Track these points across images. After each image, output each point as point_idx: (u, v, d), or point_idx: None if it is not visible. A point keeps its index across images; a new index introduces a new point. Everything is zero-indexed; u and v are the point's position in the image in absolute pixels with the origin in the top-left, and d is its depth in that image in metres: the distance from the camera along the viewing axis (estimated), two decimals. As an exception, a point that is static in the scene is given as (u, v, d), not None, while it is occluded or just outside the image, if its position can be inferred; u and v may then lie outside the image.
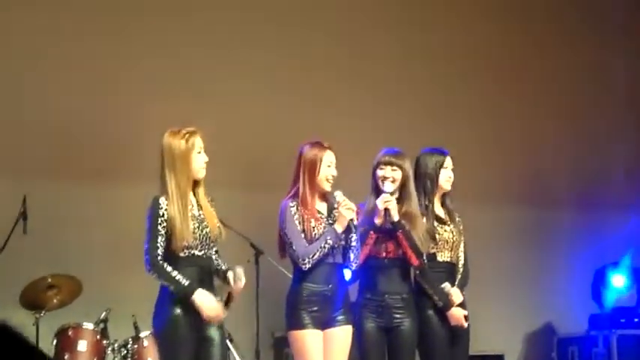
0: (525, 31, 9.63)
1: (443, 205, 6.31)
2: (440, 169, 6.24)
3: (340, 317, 5.74)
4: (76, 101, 8.11)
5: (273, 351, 8.26)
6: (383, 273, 5.99)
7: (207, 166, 5.48)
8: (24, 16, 8.08)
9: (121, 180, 8.03)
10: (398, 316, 5.96)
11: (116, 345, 7.14)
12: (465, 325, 6.10)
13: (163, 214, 5.28)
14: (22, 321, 7.26)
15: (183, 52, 8.45)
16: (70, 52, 8.15)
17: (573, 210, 9.48)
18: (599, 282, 8.96)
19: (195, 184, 5.48)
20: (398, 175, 5.98)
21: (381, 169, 6.01)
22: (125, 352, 7.11)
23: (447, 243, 6.20)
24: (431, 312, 6.10)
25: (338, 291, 5.74)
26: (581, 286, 9.02)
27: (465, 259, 6.31)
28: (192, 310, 5.30)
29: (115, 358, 7.13)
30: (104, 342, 7.10)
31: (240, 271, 5.42)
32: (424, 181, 6.21)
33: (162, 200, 5.31)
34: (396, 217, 5.90)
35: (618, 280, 8.93)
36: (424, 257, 6.03)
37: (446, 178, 6.25)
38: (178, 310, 5.28)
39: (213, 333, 5.38)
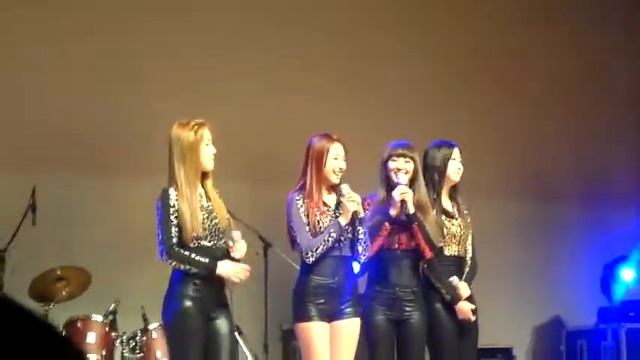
0: (526, 30, 9.60)
1: (451, 198, 6.31)
2: (448, 161, 6.23)
3: (348, 309, 5.74)
4: (86, 96, 8.12)
5: (281, 344, 8.26)
6: (395, 265, 5.98)
7: (215, 159, 5.49)
8: (25, 13, 8.08)
9: (129, 173, 8.04)
10: (408, 309, 5.96)
11: (125, 337, 7.14)
12: (473, 318, 6.10)
13: (174, 205, 5.29)
14: (30, 313, 7.26)
15: (187, 50, 8.44)
16: (77, 49, 8.15)
17: (581, 204, 9.47)
18: (608, 276, 8.94)
19: (204, 175, 5.48)
20: (410, 166, 5.98)
21: (394, 160, 6.00)
22: (134, 344, 7.12)
23: (455, 237, 6.19)
24: (439, 305, 6.10)
25: (345, 283, 5.74)
26: (590, 280, 9.01)
27: (473, 252, 6.30)
28: (201, 303, 5.31)
29: (123, 350, 7.13)
30: (113, 334, 7.11)
31: (235, 234, 5.42)
32: (432, 173, 6.21)
33: (171, 191, 5.32)
34: (412, 209, 5.90)
35: (627, 274, 8.92)
36: (437, 249, 6.04)
37: (455, 170, 6.25)
38: (188, 303, 5.29)
39: (223, 326, 5.39)
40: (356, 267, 7.50)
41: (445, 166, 6.22)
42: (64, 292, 7.23)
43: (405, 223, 5.93)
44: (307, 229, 5.70)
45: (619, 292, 8.88)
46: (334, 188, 5.82)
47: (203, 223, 5.34)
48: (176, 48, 8.42)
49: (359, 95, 8.95)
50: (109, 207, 8.03)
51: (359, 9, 9.13)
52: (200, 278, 5.31)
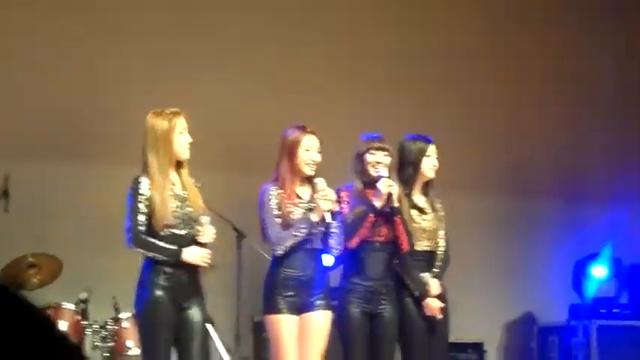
0: (503, 27, 9.61)
1: (424, 192, 6.29)
2: (422, 156, 6.21)
3: (318, 302, 5.73)
4: (60, 81, 8.07)
5: (252, 335, 8.25)
6: (373, 258, 5.99)
7: (191, 148, 5.47)
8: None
9: (103, 160, 8.01)
10: (382, 302, 5.97)
11: (96, 326, 7.12)
12: (439, 316, 6.09)
13: (144, 193, 5.28)
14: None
15: (167, 37, 8.41)
16: (51, 35, 8.10)
17: (555, 200, 9.49)
18: (579, 272, 8.97)
19: (180, 164, 5.47)
20: (388, 160, 6.01)
21: (372, 154, 6.00)
22: (105, 333, 7.09)
23: (425, 232, 6.18)
24: (409, 300, 6.10)
25: (315, 276, 5.74)
26: (562, 276, 9.03)
27: (446, 247, 6.29)
28: (172, 292, 5.30)
29: (94, 338, 7.10)
30: (84, 322, 7.08)
31: (204, 219, 5.41)
32: (406, 168, 6.19)
33: (142, 179, 5.32)
34: (396, 202, 5.92)
35: (599, 271, 8.95)
36: (412, 244, 6.05)
37: (429, 166, 6.22)
38: (159, 292, 5.28)
39: (195, 315, 5.39)
40: (330, 260, 7.49)
41: (420, 161, 6.20)
42: (35, 280, 7.19)
43: (387, 216, 5.93)
44: (279, 221, 5.69)
45: (590, 289, 8.92)
46: (309, 180, 5.81)
47: (175, 211, 5.33)
48: (156, 37, 8.38)
49: (337, 86, 8.94)
50: (82, 195, 8.00)
51: (350, 6, 9.12)
52: (170, 266, 5.30)
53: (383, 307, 5.96)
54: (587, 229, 9.23)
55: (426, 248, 6.19)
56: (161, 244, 5.28)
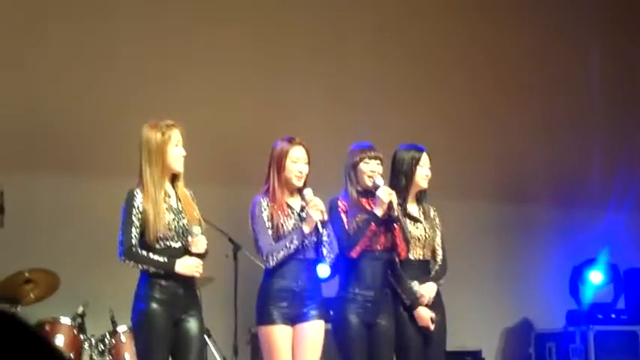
0: (495, 32, 9.63)
1: (417, 201, 6.30)
2: (415, 166, 6.21)
3: (312, 312, 5.75)
4: (53, 94, 8.08)
5: (250, 346, 8.25)
6: (372, 267, 5.99)
7: (186, 162, 5.49)
8: (2, 14, 8.03)
9: (98, 174, 8.01)
10: (379, 311, 5.97)
11: (93, 340, 7.11)
12: (432, 327, 6.08)
13: (138, 206, 5.30)
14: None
15: (162, 47, 8.42)
16: (46, 45, 8.11)
17: (551, 206, 9.51)
18: (576, 278, 8.98)
19: (175, 177, 5.48)
20: (381, 169, 6.03)
21: (367, 163, 6.02)
22: (102, 347, 7.09)
23: (419, 240, 6.18)
24: (405, 309, 6.10)
25: (308, 287, 5.75)
26: (559, 282, 9.04)
27: (443, 254, 6.30)
28: (168, 305, 5.31)
29: (92, 352, 7.10)
30: (81, 337, 7.08)
31: (195, 229, 5.41)
32: (399, 178, 6.20)
33: (136, 192, 5.33)
34: (397, 210, 5.93)
35: (596, 277, 8.96)
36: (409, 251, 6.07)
37: (422, 176, 6.22)
38: (154, 305, 5.29)
39: (193, 327, 5.39)
40: (325, 270, 7.50)
41: (412, 172, 6.21)
42: (32, 295, 7.19)
43: (387, 224, 5.95)
44: (270, 232, 5.72)
45: (587, 295, 8.92)
46: (299, 191, 5.84)
47: (169, 223, 5.34)
48: (150, 50, 8.39)
49: (328, 97, 8.95)
50: (77, 209, 8.00)
51: (337, 13, 9.13)
52: (166, 279, 5.31)
53: (381, 316, 5.97)
54: (584, 235, 9.25)
55: (419, 257, 6.19)
56: (153, 256, 5.28)
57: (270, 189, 5.79)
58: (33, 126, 7.97)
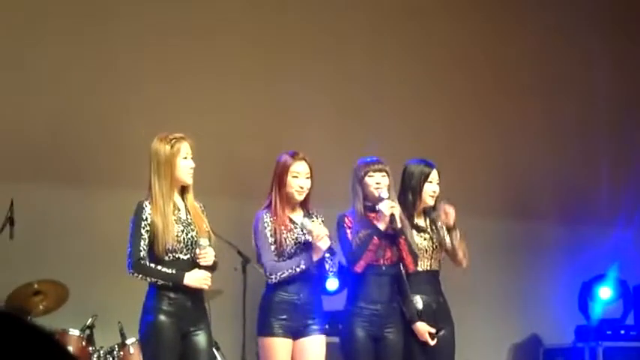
0: (501, 42, 9.62)
1: (425, 214, 6.29)
2: (424, 182, 6.21)
3: (313, 327, 5.76)
4: (64, 106, 8.10)
5: (258, 359, 8.23)
6: (378, 281, 5.99)
7: (195, 174, 5.51)
8: (2, 17, 8.05)
9: (109, 185, 8.02)
10: (387, 325, 5.97)
11: (102, 352, 7.12)
12: (431, 342, 6.06)
13: (147, 218, 5.31)
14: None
15: (171, 60, 8.44)
16: (56, 60, 8.13)
17: (560, 222, 9.49)
18: (586, 294, 8.96)
19: (184, 189, 5.50)
20: (387, 181, 6.03)
21: (371, 176, 6.02)
22: (111, 358, 7.09)
23: (427, 252, 6.18)
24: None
25: (309, 300, 5.76)
26: (568, 298, 9.02)
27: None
28: (177, 318, 5.31)
29: (101, 364, 7.10)
30: (90, 348, 7.08)
31: (202, 241, 5.42)
32: (407, 193, 6.20)
33: (145, 204, 5.35)
34: (399, 224, 5.93)
35: (605, 293, 8.94)
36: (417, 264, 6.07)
37: (430, 193, 6.21)
38: (162, 317, 5.30)
39: (201, 341, 5.40)
40: (334, 284, 7.49)
41: (421, 187, 6.21)
42: (41, 307, 7.20)
43: (391, 238, 5.95)
44: (272, 248, 5.74)
45: (597, 311, 8.90)
46: (302, 205, 5.87)
47: (178, 235, 5.35)
48: (158, 62, 8.41)
49: (335, 107, 8.96)
50: (87, 221, 8.01)
51: (337, 19, 9.14)
52: (174, 292, 5.32)
53: (388, 330, 5.97)
54: (593, 251, 9.22)
55: (427, 268, 6.18)
56: (162, 269, 5.29)
57: (272, 204, 5.82)
58: (42, 138, 7.99)
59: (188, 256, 5.39)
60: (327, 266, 5.80)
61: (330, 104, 8.94)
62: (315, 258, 5.70)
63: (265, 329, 5.73)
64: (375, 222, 5.96)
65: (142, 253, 5.30)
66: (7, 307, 7.07)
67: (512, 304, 9.14)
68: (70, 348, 7.00)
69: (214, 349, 6.85)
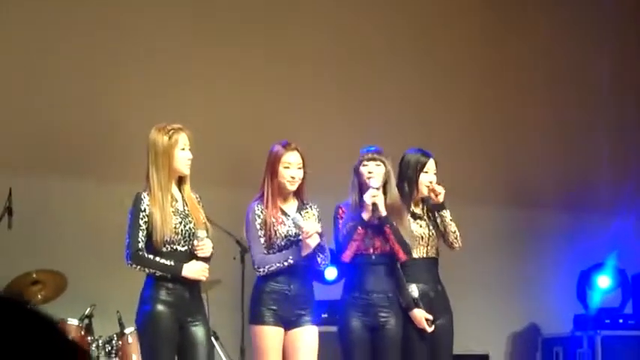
0: (506, 36, 9.61)
1: (422, 200, 6.28)
2: (420, 172, 6.19)
3: (305, 318, 5.77)
4: (63, 96, 8.09)
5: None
6: (370, 270, 5.99)
7: (193, 164, 5.50)
8: (5, 11, 8.04)
9: (107, 175, 8.02)
10: (383, 314, 5.97)
11: (100, 341, 7.12)
12: (428, 329, 6.05)
13: (145, 210, 5.31)
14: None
15: (169, 50, 8.43)
16: (54, 51, 8.12)
17: (559, 211, 9.49)
18: (584, 283, 8.96)
19: (181, 180, 5.49)
20: (381, 170, 6.00)
21: (365, 165, 6.01)
22: (109, 348, 7.10)
23: (422, 239, 6.17)
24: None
25: (300, 292, 5.76)
26: (566, 287, 9.02)
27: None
28: (174, 308, 5.32)
29: (99, 354, 7.11)
30: (89, 338, 7.09)
31: (200, 233, 5.42)
32: (403, 183, 6.19)
33: (143, 196, 5.35)
34: (383, 212, 5.91)
35: (603, 281, 8.94)
36: (411, 252, 6.04)
37: (425, 183, 6.19)
38: (160, 307, 5.30)
39: (199, 332, 5.40)
40: (333, 273, 7.50)
41: (417, 177, 6.19)
42: (39, 296, 7.20)
43: (379, 227, 5.94)
44: (262, 240, 5.74)
45: (595, 300, 8.90)
46: (297, 194, 5.86)
47: (176, 227, 5.35)
48: (156, 52, 8.40)
49: (342, 99, 8.95)
50: (85, 210, 8.01)
51: (348, 9, 9.12)
52: (172, 282, 5.32)
53: (385, 319, 5.97)
54: (592, 240, 9.22)
55: (423, 255, 6.17)
56: (160, 260, 5.30)
57: (264, 195, 5.81)
58: (40, 128, 7.98)
59: (186, 247, 5.39)
60: (319, 260, 5.80)
61: (331, 91, 8.93)
62: (304, 254, 5.70)
63: (256, 318, 5.75)
64: (363, 211, 5.96)
65: (140, 245, 5.30)
66: (7, 293, 7.06)
67: (511, 293, 9.14)
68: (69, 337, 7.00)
69: (213, 339, 6.86)
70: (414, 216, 6.20)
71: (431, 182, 6.18)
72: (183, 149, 5.44)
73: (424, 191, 6.21)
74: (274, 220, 5.76)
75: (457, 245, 6.24)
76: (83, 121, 8.12)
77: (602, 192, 9.50)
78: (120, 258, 5.54)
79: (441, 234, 6.24)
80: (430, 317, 6.05)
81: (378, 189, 5.92)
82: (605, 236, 9.16)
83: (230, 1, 8.75)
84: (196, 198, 5.58)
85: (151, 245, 5.32)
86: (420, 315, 6.03)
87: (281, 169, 5.78)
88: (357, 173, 6.05)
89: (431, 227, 6.22)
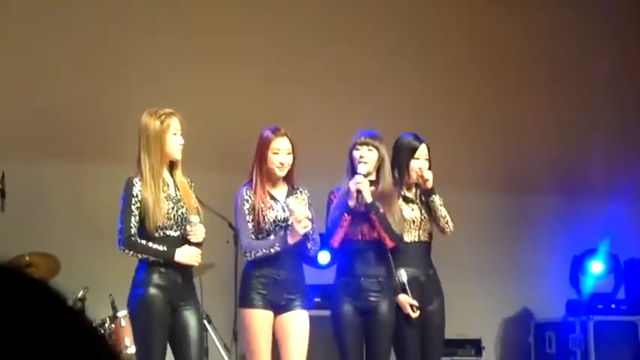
0: (502, 23, 9.59)
1: (416, 186, 6.27)
2: (410, 158, 6.17)
3: (295, 302, 5.77)
4: (57, 80, 8.08)
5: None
6: (359, 256, 5.98)
7: (187, 148, 5.49)
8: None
9: (100, 158, 8.02)
10: (373, 299, 5.97)
11: (93, 324, 7.12)
12: (413, 314, 6.05)
13: (137, 195, 5.30)
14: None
15: (163, 33, 8.41)
16: (50, 33, 8.10)
17: (552, 196, 9.49)
18: (577, 268, 8.97)
19: (173, 165, 5.49)
20: (374, 155, 5.97)
21: (357, 149, 5.99)
22: (102, 331, 7.10)
23: (414, 222, 6.16)
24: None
25: (290, 276, 5.76)
26: (559, 272, 9.04)
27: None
28: (167, 291, 5.32)
29: (92, 337, 7.10)
30: (81, 321, 7.08)
31: (193, 218, 5.42)
32: (395, 168, 6.16)
33: (135, 181, 5.34)
34: (369, 199, 5.89)
35: (596, 267, 8.95)
36: (400, 238, 6.03)
37: (415, 169, 6.18)
38: (152, 290, 5.30)
39: (191, 317, 5.40)
40: (325, 257, 7.50)
41: (407, 163, 6.17)
42: (32, 279, 7.19)
43: (365, 214, 5.92)
44: (250, 226, 5.74)
45: (588, 285, 8.92)
46: (287, 180, 5.85)
47: (168, 212, 5.35)
48: (150, 37, 8.39)
49: (333, 84, 8.94)
50: (78, 193, 8.01)
51: (344, 10, 9.12)
52: (165, 267, 5.32)
53: (375, 303, 5.97)
54: (585, 225, 9.24)
55: (415, 239, 6.16)
56: (152, 245, 5.29)
57: (253, 180, 5.80)
58: (35, 110, 7.97)
59: (178, 232, 5.39)
60: (308, 246, 5.80)
61: (324, 76, 8.92)
62: (291, 241, 5.68)
63: (245, 302, 5.76)
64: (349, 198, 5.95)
65: (133, 230, 5.30)
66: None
67: (504, 278, 9.16)
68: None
69: (206, 322, 6.87)
70: (407, 200, 6.19)
71: (420, 168, 6.15)
72: (175, 134, 5.43)
73: (414, 177, 6.19)
74: (263, 206, 5.75)
75: (449, 230, 6.23)
76: (77, 104, 8.12)
77: (595, 178, 9.51)
78: (112, 241, 5.54)
79: (434, 219, 6.23)
80: (415, 303, 6.04)
81: (365, 176, 5.90)
82: (597, 222, 9.18)
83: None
84: (188, 183, 5.57)
85: (143, 230, 5.32)
86: (405, 300, 6.03)
87: (270, 154, 5.76)
88: (350, 158, 6.04)
89: (423, 211, 6.21)
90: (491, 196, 9.28)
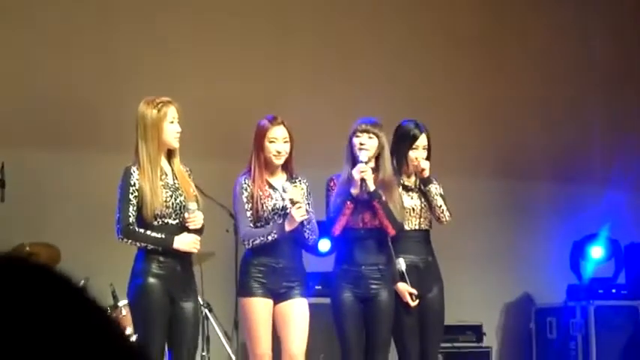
0: (498, 7, 9.57)
1: (416, 175, 6.26)
2: (409, 147, 6.15)
3: (295, 291, 5.78)
4: (54, 68, 8.07)
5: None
6: (359, 244, 5.99)
7: (185, 137, 5.50)
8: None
9: (100, 148, 8.01)
10: (374, 286, 5.98)
11: (94, 313, 7.12)
12: (412, 303, 6.05)
13: (134, 184, 5.31)
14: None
15: (160, 21, 8.40)
16: (50, 22, 8.09)
17: (552, 182, 9.50)
18: (577, 253, 8.98)
19: (171, 153, 5.49)
20: (374, 142, 5.96)
21: (357, 136, 5.99)
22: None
23: (414, 210, 6.16)
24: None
25: (289, 265, 5.77)
26: (560, 257, 9.04)
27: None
28: (166, 281, 5.33)
29: (93, 326, 7.11)
30: (82, 310, 7.09)
31: (191, 205, 5.43)
32: (393, 156, 6.15)
33: (133, 170, 5.34)
34: (372, 187, 5.89)
35: (596, 252, 8.96)
36: (402, 227, 6.03)
37: (412, 159, 6.16)
38: (151, 280, 5.31)
39: (188, 308, 5.41)
40: (326, 245, 7.51)
41: (406, 152, 6.16)
42: (33, 269, 7.19)
43: (368, 202, 5.92)
44: (249, 214, 5.75)
45: (588, 270, 8.93)
46: (285, 168, 5.86)
47: (166, 200, 5.35)
48: (146, 24, 8.37)
49: (329, 71, 8.93)
50: (78, 183, 8.00)
51: (344, 10, 9.10)
52: (164, 255, 5.33)
53: (376, 290, 5.98)
54: (585, 211, 9.24)
55: (415, 227, 6.16)
56: (151, 234, 5.30)
57: (252, 169, 5.82)
58: (35, 101, 7.97)
59: (177, 220, 5.40)
60: (306, 234, 5.81)
61: (319, 63, 8.91)
62: (288, 228, 5.68)
63: (245, 290, 5.78)
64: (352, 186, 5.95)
65: (131, 219, 5.31)
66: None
67: (504, 264, 9.16)
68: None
69: (207, 311, 6.87)
70: (406, 188, 6.19)
71: (417, 158, 6.14)
72: (172, 122, 5.44)
73: (411, 166, 6.18)
74: (261, 194, 5.76)
75: (444, 219, 6.21)
76: (77, 93, 8.10)
77: (595, 163, 9.51)
78: (112, 230, 5.55)
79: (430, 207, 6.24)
80: (414, 292, 6.05)
81: (366, 163, 5.90)
82: (598, 207, 9.18)
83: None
84: (186, 171, 5.57)
85: (141, 219, 5.32)
86: (403, 288, 6.03)
87: (267, 143, 5.78)
88: (350, 144, 6.03)
89: (423, 199, 6.21)
90: (491, 182, 9.28)
